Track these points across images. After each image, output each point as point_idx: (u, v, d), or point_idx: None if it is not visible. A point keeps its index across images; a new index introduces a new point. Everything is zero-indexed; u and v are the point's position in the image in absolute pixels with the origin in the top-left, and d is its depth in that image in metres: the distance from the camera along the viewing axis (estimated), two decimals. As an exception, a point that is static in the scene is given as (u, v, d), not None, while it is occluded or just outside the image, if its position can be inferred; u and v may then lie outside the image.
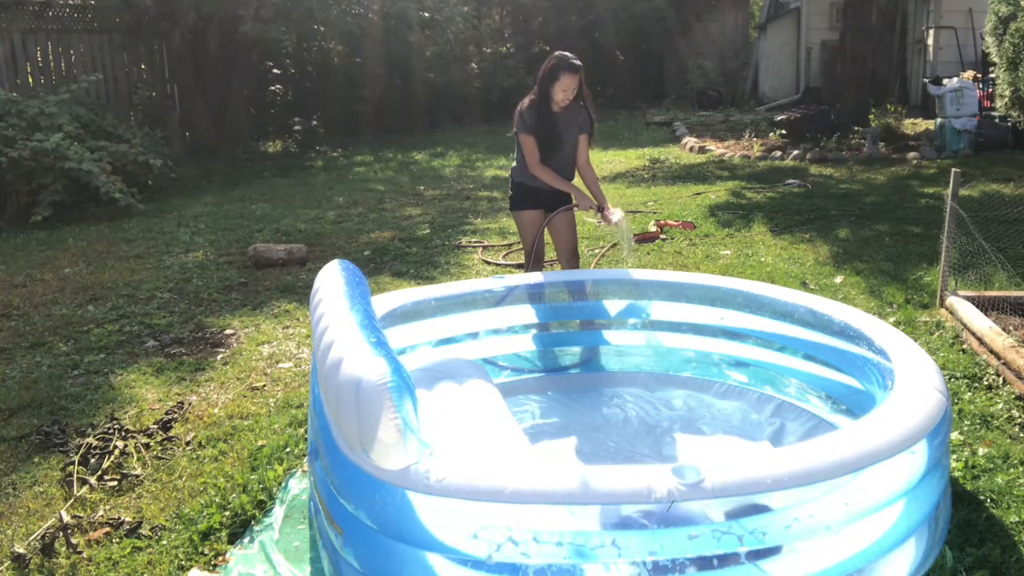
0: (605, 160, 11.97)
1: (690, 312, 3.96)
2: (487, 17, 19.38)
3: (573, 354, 4.22)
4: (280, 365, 4.58)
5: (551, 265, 5.31)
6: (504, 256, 6.77)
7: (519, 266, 6.06)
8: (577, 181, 4.61)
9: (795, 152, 11.30)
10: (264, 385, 4.30)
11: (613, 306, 4.12)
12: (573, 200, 4.51)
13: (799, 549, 2.24)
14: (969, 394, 3.81)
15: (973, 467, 3.16)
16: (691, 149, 12.59)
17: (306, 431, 3.58)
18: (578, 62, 4.29)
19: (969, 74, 11.97)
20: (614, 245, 6.85)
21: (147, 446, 3.62)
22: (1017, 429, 3.49)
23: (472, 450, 2.76)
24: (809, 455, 2.25)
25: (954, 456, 3.21)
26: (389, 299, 3.72)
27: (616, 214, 4.43)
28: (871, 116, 12.47)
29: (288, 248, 6.84)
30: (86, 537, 2.94)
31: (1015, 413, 3.60)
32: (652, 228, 7.30)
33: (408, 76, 16.22)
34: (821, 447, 2.31)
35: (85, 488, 3.27)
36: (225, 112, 13.44)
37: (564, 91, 4.27)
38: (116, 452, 3.54)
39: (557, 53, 4.32)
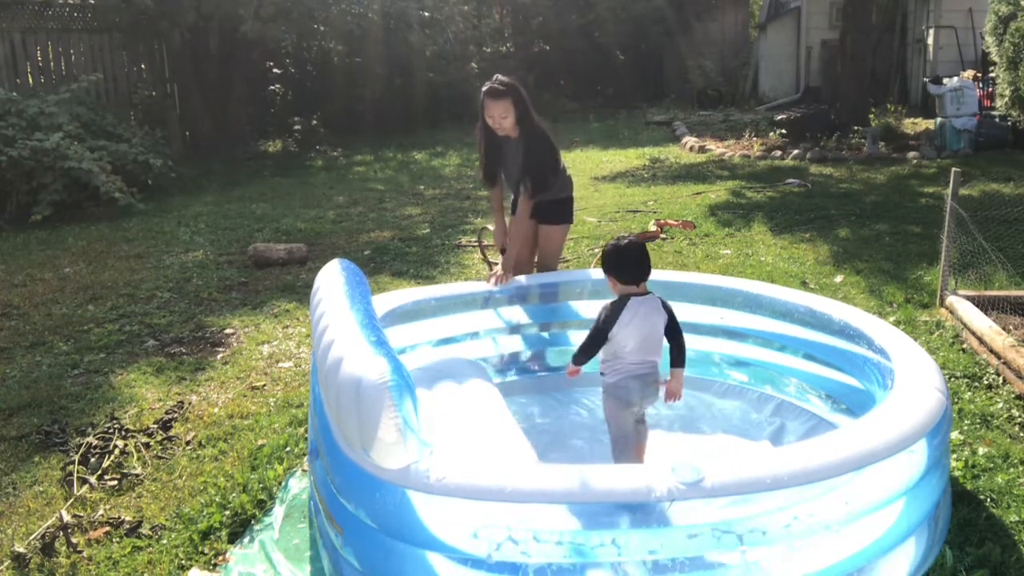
0: (605, 160, 11.97)
1: (690, 312, 3.95)
2: (487, 17, 19.37)
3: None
4: (280, 364, 4.58)
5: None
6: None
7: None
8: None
9: (795, 152, 11.30)
10: (264, 384, 4.31)
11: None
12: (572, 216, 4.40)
13: (799, 548, 2.24)
14: (969, 393, 3.81)
15: (973, 467, 3.16)
16: (691, 149, 12.59)
17: (306, 430, 3.58)
18: (501, 87, 3.91)
19: (969, 74, 11.97)
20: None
21: (147, 445, 3.62)
22: (1017, 429, 3.49)
23: (472, 450, 2.77)
24: (809, 455, 2.25)
25: (954, 456, 3.21)
26: (389, 299, 3.72)
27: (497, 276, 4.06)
28: (871, 116, 12.47)
29: (288, 248, 6.85)
30: (86, 536, 2.94)
31: (1015, 412, 3.60)
32: (652, 228, 7.30)
33: (408, 76, 16.21)
34: (821, 447, 2.31)
35: (85, 488, 3.27)
36: (225, 112, 13.44)
37: (492, 119, 3.96)
38: (116, 452, 3.54)
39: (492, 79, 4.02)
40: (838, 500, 2.24)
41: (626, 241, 3.01)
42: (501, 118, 3.95)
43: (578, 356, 3.03)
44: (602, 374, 3.05)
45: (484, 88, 3.98)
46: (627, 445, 3.00)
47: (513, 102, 3.92)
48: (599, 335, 2.97)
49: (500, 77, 4.01)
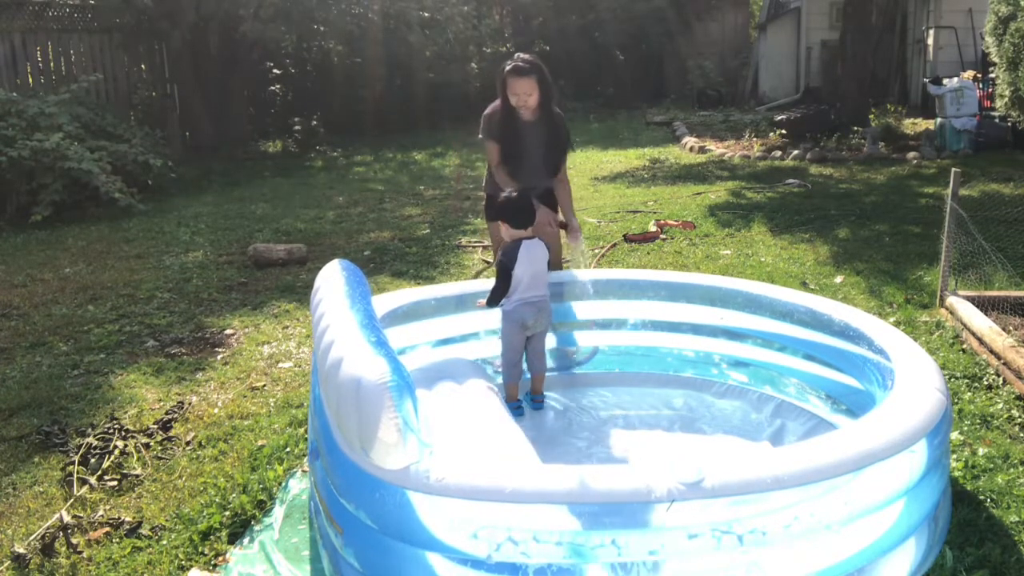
0: (605, 160, 11.97)
1: (690, 312, 3.95)
2: (487, 17, 19.32)
3: (573, 354, 4.21)
4: (280, 365, 4.58)
5: None
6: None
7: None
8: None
9: (795, 152, 11.30)
10: (264, 385, 4.31)
11: (614, 307, 4.12)
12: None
13: (799, 548, 2.24)
14: (969, 394, 3.81)
15: (973, 467, 3.16)
16: (691, 149, 12.58)
17: (306, 431, 3.58)
18: (526, 65, 3.95)
19: (969, 74, 11.96)
20: (614, 245, 6.85)
21: (147, 446, 3.62)
22: (1017, 429, 3.49)
23: (472, 450, 2.77)
24: (809, 455, 2.25)
25: (954, 456, 3.21)
26: (389, 299, 3.72)
27: (580, 240, 4.22)
28: (871, 116, 12.46)
29: (288, 248, 6.85)
30: (86, 537, 2.94)
31: (1015, 413, 3.60)
32: (652, 228, 7.30)
33: (408, 76, 16.20)
34: (821, 447, 2.31)
35: (85, 488, 3.27)
36: (225, 112, 13.43)
37: (516, 96, 3.98)
38: (116, 452, 3.54)
39: (514, 57, 4.05)
40: (838, 500, 2.24)
41: (515, 194, 3.57)
42: (526, 95, 3.96)
43: (491, 299, 3.55)
44: (502, 306, 3.56)
45: (508, 67, 3.97)
46: (512, 359, 3.62)
47: (538, 80, 3.96)
48: (505, 275, 3.48)
49: (523, 55, 4.04)
